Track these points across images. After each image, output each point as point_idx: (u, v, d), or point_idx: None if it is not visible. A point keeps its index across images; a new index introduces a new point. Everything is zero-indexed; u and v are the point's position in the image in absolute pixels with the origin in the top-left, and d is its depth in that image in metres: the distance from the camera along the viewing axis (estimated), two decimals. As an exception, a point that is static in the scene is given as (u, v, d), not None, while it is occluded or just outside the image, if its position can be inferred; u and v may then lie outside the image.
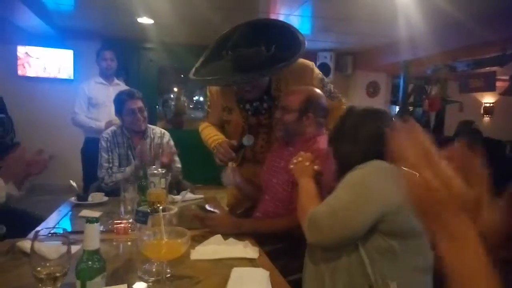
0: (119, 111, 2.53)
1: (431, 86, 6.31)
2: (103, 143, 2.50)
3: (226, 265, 1.30)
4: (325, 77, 2.10)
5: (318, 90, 1.83)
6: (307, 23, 4.79)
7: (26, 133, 4.67)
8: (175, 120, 6.72)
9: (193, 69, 1.96)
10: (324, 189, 1.43)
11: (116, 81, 3.75)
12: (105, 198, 2.12)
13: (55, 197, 3.90)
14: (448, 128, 6.87)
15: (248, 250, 1.43)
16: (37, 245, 0.94)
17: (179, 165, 2.61)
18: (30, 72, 5.25)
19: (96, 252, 0.91)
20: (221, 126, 2.15)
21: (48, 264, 0.92)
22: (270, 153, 1.98)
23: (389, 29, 4.43)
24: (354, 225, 1.19)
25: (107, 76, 3.67)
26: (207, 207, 1.79)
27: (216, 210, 1.70)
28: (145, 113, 2.52)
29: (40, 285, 0.92)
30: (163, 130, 2.66)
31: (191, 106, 7.18)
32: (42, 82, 5.25)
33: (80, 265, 0.91)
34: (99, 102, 3.58)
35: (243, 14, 4.37)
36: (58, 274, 0.92)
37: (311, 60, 2.12)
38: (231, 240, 1.53)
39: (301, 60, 1.96)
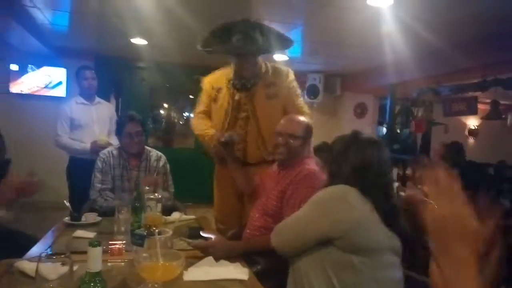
0: (118, 133, 2.58)
1: (417, 108, 6.48)
2: (99, 164, 2.53)
3: (218, 286, 1.36)
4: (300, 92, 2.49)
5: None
6: (298, 47, 4.94)
7: (18, 150, 4.65)
8: (166, 137, 6.77)
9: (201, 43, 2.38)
10: None
11: (97, 99, 3.67)
12: (99, 219, 2.14)
13: (44, 215, 3.89)
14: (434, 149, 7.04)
15: (239, 271, 1.49)
16: (39, 266, 0.99)
17: (172, 189, 2.64)
18: (23, 89, 5.29)
19: (98, 274, 0.97)
20: (209, 112, 2.49)
21: (51, 285, 0.96)
22: (259, 175, 2.20)
23: (376, 54, 4.60)
24: (306, 237, 1.41)
25: (88, 95, 3.58)
26: (202, 233, 1.83)
27: (211, 236, 1.75)
28: (143, 137, 2.56)
29: (42, 306, 0.97)
30: (159, 153, 2.68)
31: (181, 123, 7.24)
32: (34, 99, 5.30)
33: (82, 286, 0.96)
34: (81, 123, 3.49)
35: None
36: (62, 293, 0.97)
37: (300, 82, 2.45)
38: (222, 261, 1.58)
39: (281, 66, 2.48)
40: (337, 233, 1.35)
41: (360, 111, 7.03)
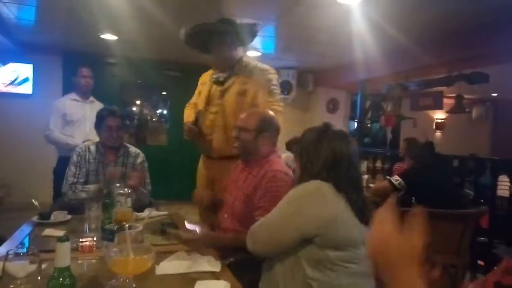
0: (97, 126, 2.54)
1: (386, 103, 6.68)
2: (74, 157, 2.50)
3: (190, 278, 1.37)
4: (277, 92, 2.50)
5: (271, 112, 2.03)
6: (271, 43, 4.98)
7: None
8: (139, 134, 6.69)
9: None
10: None
11: (91, 98, 3.67)
12: (68, 217, 2.11)
13: (10, 215, 3.78)
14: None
15: (211, 264, 1.51)
16: (7, 264, 0.99)
17: (149, 187, 2.62)
18: (-13, 86, 5.10)
19: (67, 269, 0.97)
20: (197, 105, 2.62)
21: (18, 282, 0.97)
22: (229, 175, 2.14)
23: (347, 50, 4.71)
24: (282, 237, 1.40)
25: (84, 93, 3.60)
26: (187, 224, 1.83)
27: (196, 228, 1.76)
28: (122, 132, 2.54)
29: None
30: (138, 151, 2.65)
31: (154, 119, 7.17)
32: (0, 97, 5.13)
33: (51, 282, 0.96)
34: (74, 119, 3.49)
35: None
36: (30, 290, 0.98)
37: None
38: (194, 255, 1.60)
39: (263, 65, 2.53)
40: (312, 230, 1.35)
41: (332, 106, 7.16)
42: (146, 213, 2.03)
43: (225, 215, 1.98)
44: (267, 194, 1.75)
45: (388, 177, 3.54)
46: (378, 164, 5.13)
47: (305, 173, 1.48)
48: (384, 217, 0.77)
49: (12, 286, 0.97)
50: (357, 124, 6.52)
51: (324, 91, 6.94)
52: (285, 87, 6.44)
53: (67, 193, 2.44)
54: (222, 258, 1.60)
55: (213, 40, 2.44)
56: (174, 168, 5.76)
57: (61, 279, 0.96)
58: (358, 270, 1.38)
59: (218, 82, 2.46)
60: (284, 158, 5.20)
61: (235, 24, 2.44)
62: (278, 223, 1.41)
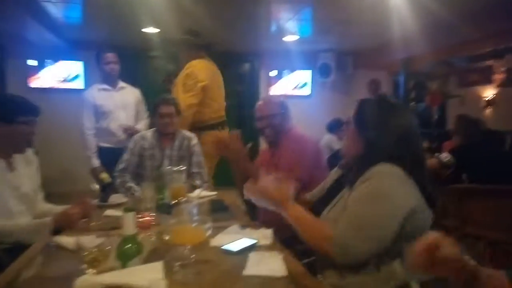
0: (153, 114, 2.73)
1: (431, 82, 6.43)
2: (131, 144, 2.70)
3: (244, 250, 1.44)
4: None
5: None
6: (308, 26, 4.94)
7: (42, 144, 4.85)
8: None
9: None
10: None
11: (120, 84, 3.48)
12: (125, 199, 2.27)
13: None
14: (451, 122, 6.98)
15: (263, 237, 1.57)
16: (80, 238, 1.10)
17: (204, 169, 2.76)
18: (42, 84, 5.47)
19: (133, 236, 1.06)
20: None
21: (94, 250, 1.07)
22: (259, 160, 2.39)
23: (387, 29, 4.56)
24: (383, 238, 1.18)
25: (111, 80, 3.41)
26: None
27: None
28: (175, 118, 2.67)
29: (86, 267, 1.07)
30: (192, 134, 2.81)
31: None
32: (54, 93, 5.47)
33: (120, 249, 1.05)
34: (105, 110, 3.34)
35: (242, 22, 4.53)
36: (101, 258, 1.08)
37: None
38: (248, 230, 1.67)
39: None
40: (407, 221, 1.20)
41: (374, 87, 6.98)
42: (196, 192, 2.13)
43: None
44: (293, 155, 1.98)
45: (437, 154, 3.44)
46: (425, 144, 4.98)
47: (371, 151, 1.30)
48: None
49: (86, 253, 1.07)
50: (401, 105, 6.33)
51: (364, 73, 6.79)
52: (324, 70, 6.37)
53: (116, 178, 2.62)
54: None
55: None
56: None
57: (128, 245, 1.05)
58: None
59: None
60: (326, 140, 5.20)
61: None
62: (374, 224, 1.19)
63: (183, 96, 3.02)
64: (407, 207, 1.19)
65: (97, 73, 3.57)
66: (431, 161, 3.19)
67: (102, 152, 3.37)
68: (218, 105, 3.36)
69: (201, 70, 3.19)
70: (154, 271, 0.92)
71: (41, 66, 5.47)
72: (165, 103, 2.66)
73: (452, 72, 5.66)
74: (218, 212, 1.88)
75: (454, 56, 4.77)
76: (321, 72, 6.38)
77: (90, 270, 1.07)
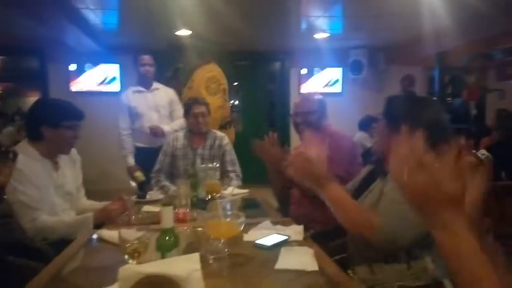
0: (186, 114, 2.83)
1: (468, 76, 6.21)
2: (165, 146, 2.83)
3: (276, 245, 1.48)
4: None
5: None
6: (338, 23, 4.91)
7: (81, 144, 5.10)
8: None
9: None
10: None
11: (154, 85, 3.58)
12: (161, 195, 2.36)
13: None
14: (489, 117, 6.71)
15: (294, 233, 1.60)
16: (121, 231, 1.18)
17: (238, 167, 2.85)
18: (82, 87, 5.73)
19: (171, 229, 1.12)
20: None
21: (135, 242, 1.14)
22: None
23: (419, 22, 4.45)
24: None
25: (145, 82, 3.53)
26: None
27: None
28: (206, 118, 2.76)
29: (127, 258, 1.15)
30: (223, 134, 2.91)
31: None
32: (93, 96, 5.71)
33: (159, 241, 1.11)
34: (139, 111, 3.46)
35: (273, 21, 4.55)
36: (141, 249, 1.15)
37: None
38: (279, 226, 1.70)
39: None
40: None
41: (408, 83, 6.80)
42: (229, 190, 2.18)
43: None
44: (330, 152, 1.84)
45: (474, 151, 3.34)
46: (462, 141, 4.82)
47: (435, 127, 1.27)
48: (423, 160, 0.74)
49: (128, 245, 1.14)
50: (437, 100, 6.17)
51: (397, 68, 6.64)
52: (355, 67, 6.30)
53: (152, 179, 2.75)
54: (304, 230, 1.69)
55: None
56: (249, 153, 5.94)
57: (167, 237, 1.11)
58: None
59: None
60: (357, 138, 5.16)
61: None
62: None
63: (211, 98, 3.15)
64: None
65: (132, 75, 3.71)
66: (469, 158, 3.10)
67: (138, 152, 3.51)
68: (229, 105, 3.60)
69: (220, 73, 3.44)
70: (191, 262, 0.97)
71: (80, 70, 5.73)
72: (197, 103, 2.76)
73: (490, 65, 5.44)
74: (250, 209, 1.93)
75: (492, 49, 4.59)
76: (352, 69, 6.31)
77: (131, 261, 1.14)
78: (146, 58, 3.52)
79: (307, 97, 2.54)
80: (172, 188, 2.58)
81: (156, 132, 3.34)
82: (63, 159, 2.05)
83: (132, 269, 0.96)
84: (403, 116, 1.33)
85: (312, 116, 2.28)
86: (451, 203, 0.70)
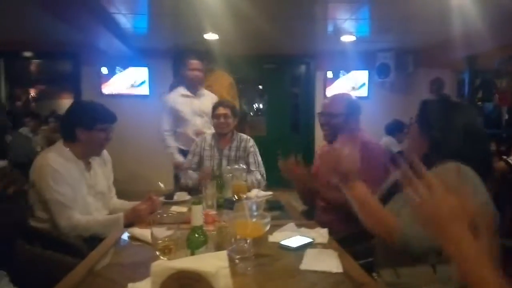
0: (212, 115, 2.91)
1: (500, 80, 6.02)
2: (193, 146, 2.95)
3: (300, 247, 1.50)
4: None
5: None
6: (365, 26, 4.88)
7: (114, 147, 5.25)
8: (238, 127, 7.06)
9: None
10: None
11: (202, 91, 3.54)
12: (188, 197, 2.41)
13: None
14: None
15: (319, 236, 1.62)
16: (154, 230, 1.23)
17: (262, 168, 2.91)
18: (113, 90, 5.90)
19: (201, 227, 1.17)
20: None
21: (166, 240, 1.19)
22: (319, 158, 2.30)
23: (451, 24, 4.37)
24: None
25: (193, 86, 3.47)
26: None
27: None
28: (230, 120, 2.84)
29: (159, 254, 1.20)
30: (248, 137, 2.99)
31: (251, 114, 7.47)
32: (122, 98, 5.87)
33: (189, 238, 1.16)
34: (183, 115, 3.43)
35: (299, 23, 4.57)
36: (172, 246, 1.20)
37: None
38: (303, 228, 1.73)
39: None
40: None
41: (437, 87, 6.68)
42: (254, 192, 2.22)
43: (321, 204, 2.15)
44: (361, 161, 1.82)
45: (505, 157, 3.26)
46: (493, 146, 4.69)
47: (437, 150, 1.32)
48: (432, 182, 0.82)
49: (160, 241, 1.20)
50: (466, 104, 6.01)
51: (426, 71, 6.53)
52: (382, 70, 6.22)
53: (181, 177, 2.91)
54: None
55: None
56: (274, 157, 5.96)
57: (196, 235, 1.16)
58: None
59: None
60: (384, 142, 5.10)
61: None
62: None
63: (236, 103, 3.34)
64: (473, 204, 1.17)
65: (161, 79, 3.82)
66: (499, 164, 3.03)
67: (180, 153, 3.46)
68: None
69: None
70: (219, 259, 1.01)
71: (111, 73, 5.91)
72: (221, 105, 2.86)
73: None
74: (274, 210, 1.96)
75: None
76: (379, 72, 6.24)
77: (163, 257, 1.19)
78: (195, 63, 3.46)
79: (335, 98, 2.37)
80: (194, 176, 2.77)
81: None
82: (95, 160, 2.14)
83: (164, 264, 1.01)
84: (435, 120, 1.34)
85: (335, 119, 2.17)
86: (454, 218, 0.78)
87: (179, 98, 3.49)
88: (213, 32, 4.87)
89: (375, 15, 4.48)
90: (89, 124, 1.97)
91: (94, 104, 2.09)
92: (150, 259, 1.17)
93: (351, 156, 1.35)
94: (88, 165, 2.08)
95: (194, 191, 2.48)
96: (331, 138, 2.21)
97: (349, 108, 2.19)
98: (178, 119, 3.46)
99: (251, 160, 2.84)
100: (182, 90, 3.52)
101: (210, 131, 3.44)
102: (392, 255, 1.37)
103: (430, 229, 0.81)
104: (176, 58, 5.28)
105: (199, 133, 3.39)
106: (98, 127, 1.98)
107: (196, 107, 3.49)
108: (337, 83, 6.50)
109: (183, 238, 1.22)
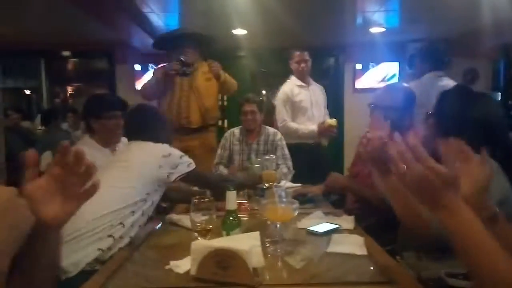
0: (239, 112, 2.98)
1: (538, 69, 5.81)
2: (222, 141, 3.02)
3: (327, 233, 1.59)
4: None
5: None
6: (395, 17, 4.83)
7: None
8: (265, 120, 7.15)
9: None
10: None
11: (311, 82, 3.56)
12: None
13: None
14: None
15: (346, 222, 1.70)
16: (192, 215, 1.34)
17: (290, 162, 2.93)
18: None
19: (235, 211, 1.27)
20: None
21: (204, 222, 1.31)
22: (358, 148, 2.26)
23: (483, 11, 4.27)
24: None
25: (302, 77, 3.49)
26: None
27: None
28: (257, 116, 2.91)
29: (197, 235, 1.32)
30: (276, 130, 3.06)
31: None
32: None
33: (224, 221, 1.27)
34: (302, 105, 3.42)
35: (328, 16, 4.59)
36: (209, 228, 1.31)
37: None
38: (330, 216, 1.81)
39: None
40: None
41: (471, 77, 6.50)
42: (282, 183, 2.31)
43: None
44: None
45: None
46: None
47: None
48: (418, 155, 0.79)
49: (198, 224, 1.31)
50: (502, 95, 5.85)
51: (458, 61, 6.33)
52: (413, 62, 6.12)
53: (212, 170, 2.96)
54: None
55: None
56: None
57: (231, 218, 1.27)
58: None
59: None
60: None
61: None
62: None
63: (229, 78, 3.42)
64: (497, 196, 1.14)
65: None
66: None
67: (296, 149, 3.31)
68: None
69: None
70: (252, 239, 1.11)
71: (144, 70, 6.11)
72: (247, 101, 2.92)
73: None
74: (302, 200, 2.04)
75: None
76: (409, 63, 6.14)
77: (201, 238, 1.31)
78: (301, 55, 3.46)
79: (390, 88, 2.18)
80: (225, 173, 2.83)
81: (325, 130, 3.31)
82: (119, 147, 2.23)
83: (202, 243, 1.12)
84: (451, 112, 1.33)
85: (389, 112, 1.89)
86: (448, 185, 0.77)
87: (296, 88, 3.47)
88: (241, 28, 4.96)
89: (404, 5, 4.43)
90: (97, 113, 2.09)
91: (100, 94, 2.20)
92: (188, 240, 1.29)
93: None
94: (113, 152, 2.17)
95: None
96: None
97: (405, 100, 1.96)
98: (298, 110, 3.42)
99: (278, 153, 2.90)
100: (296, 80, 3.52)
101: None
102: (414, 240, 1.42)
103: (425, 197, 0.79)
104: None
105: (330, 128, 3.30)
106: (105, 114, 2.09)
107: (312, 97, 3.50)
108: (366, 75, 6.46)
109: (219, 222, 1.33)
